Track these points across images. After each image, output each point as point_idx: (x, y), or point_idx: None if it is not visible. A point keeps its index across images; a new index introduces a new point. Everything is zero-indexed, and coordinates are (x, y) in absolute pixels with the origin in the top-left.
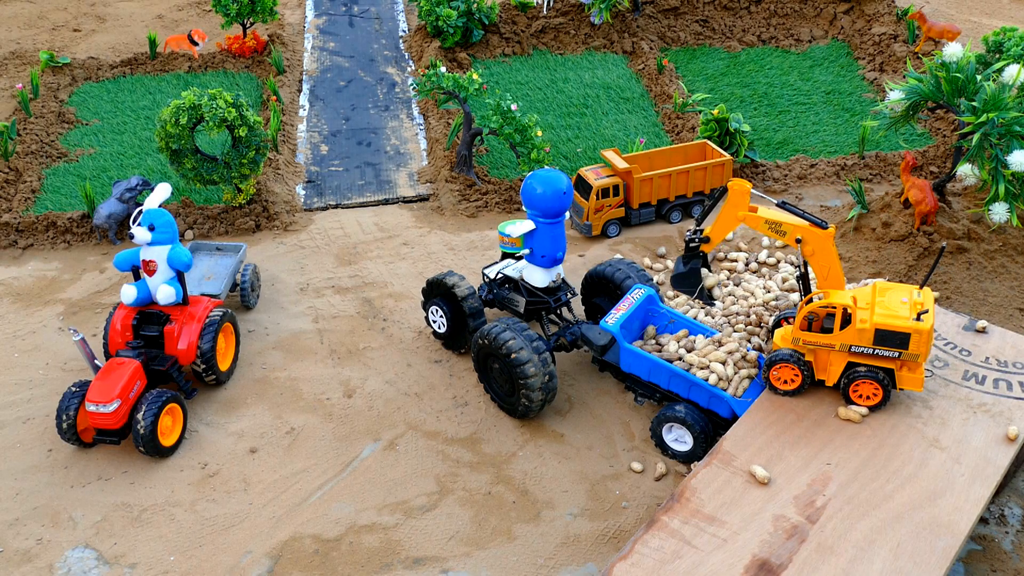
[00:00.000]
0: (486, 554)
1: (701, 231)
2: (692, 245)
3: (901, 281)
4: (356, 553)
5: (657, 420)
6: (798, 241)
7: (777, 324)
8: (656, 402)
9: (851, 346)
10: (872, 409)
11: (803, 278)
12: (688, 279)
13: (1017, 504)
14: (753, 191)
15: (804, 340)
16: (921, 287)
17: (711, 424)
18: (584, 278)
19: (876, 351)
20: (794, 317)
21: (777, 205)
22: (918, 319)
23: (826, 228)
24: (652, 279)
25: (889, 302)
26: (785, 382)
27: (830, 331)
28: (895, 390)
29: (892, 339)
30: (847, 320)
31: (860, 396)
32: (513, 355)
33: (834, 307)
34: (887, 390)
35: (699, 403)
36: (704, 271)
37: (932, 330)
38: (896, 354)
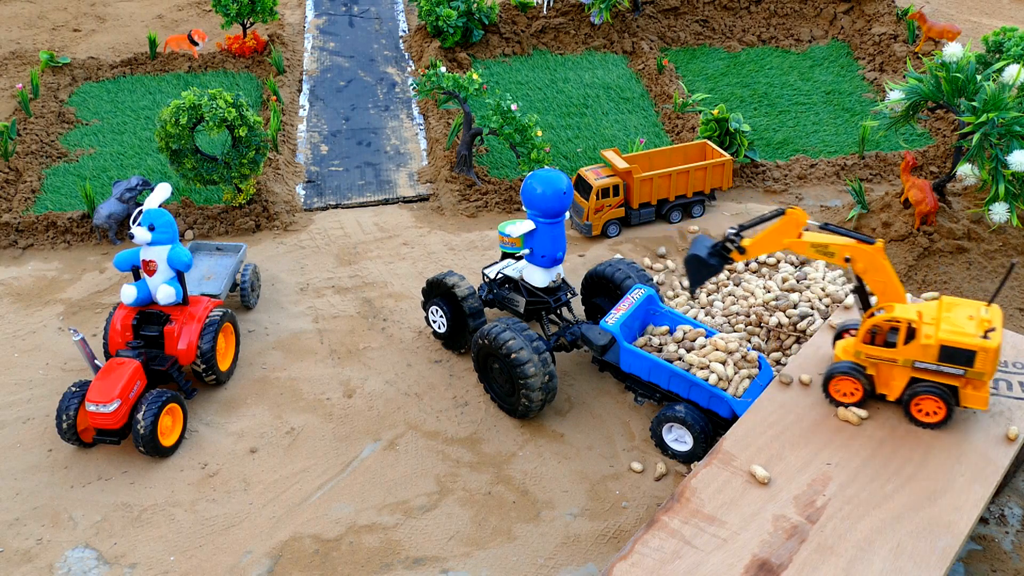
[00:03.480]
0: (486, 554)
1: (740, 237)
2: (727, 246)
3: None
4: (356, 553)
5: (657, 420)
6: (847, 260)
7: (839, 336)
8: (656, 402)
9: (915, 361)
10: (934, 426)
11: (859, 292)
12: (702, 270)
13: (1017, 504)
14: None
15: (866, 353)
16: (989, 303)
17: (711, 424)
18: (584, 278)
19: (940, 368)
20: (857, 329)
21: (820, 227)
22: (985, 337)
23: (873, 244)
24: (652, 279)
25: (955, 318)
26: (845, 395)
27: (893, 345)
28: (958, 407)
29: (958, 356)
30: (911, 335)
31: (922, 412)
32: (513, 355)
33: (898, 321)
34: (950, 407)
35: (699, 403)
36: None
37: (999, 349)
38: (961, 371)
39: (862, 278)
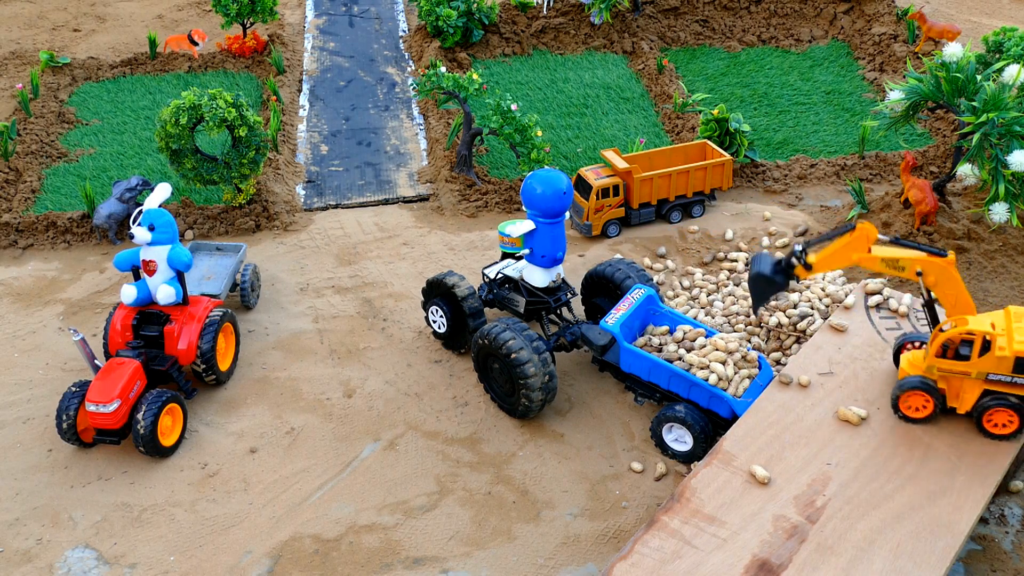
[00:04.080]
0: (486, 554)
1: (806, 253)
2: (791, 262)
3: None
4: (356, 553)
5: (657, 420)
6: (919, 274)
7: (900, 349)
8: (656, 402)
9: (988, 374)
10: (1006, 438)
11: (929, 307)
12: (767, 289)
13: (1017, 504)
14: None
15: (939, 368)
16: None
17: (711, 424)
18: (584, 278)
19: (1015, 379)
20: (918, 342)
21: (891, 241)
22: None
23: (944, 256)
24: (652, 279)
25: None
26: (916, 409)
27: (966, 358)
28: None
29: None
30: (986, 347)
31: (994, 424)
32: (513, 355)
33: (972, 334)
34: (1023, 419)
35: (699, 403)
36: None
37: None
38: None
39: (932, 291)
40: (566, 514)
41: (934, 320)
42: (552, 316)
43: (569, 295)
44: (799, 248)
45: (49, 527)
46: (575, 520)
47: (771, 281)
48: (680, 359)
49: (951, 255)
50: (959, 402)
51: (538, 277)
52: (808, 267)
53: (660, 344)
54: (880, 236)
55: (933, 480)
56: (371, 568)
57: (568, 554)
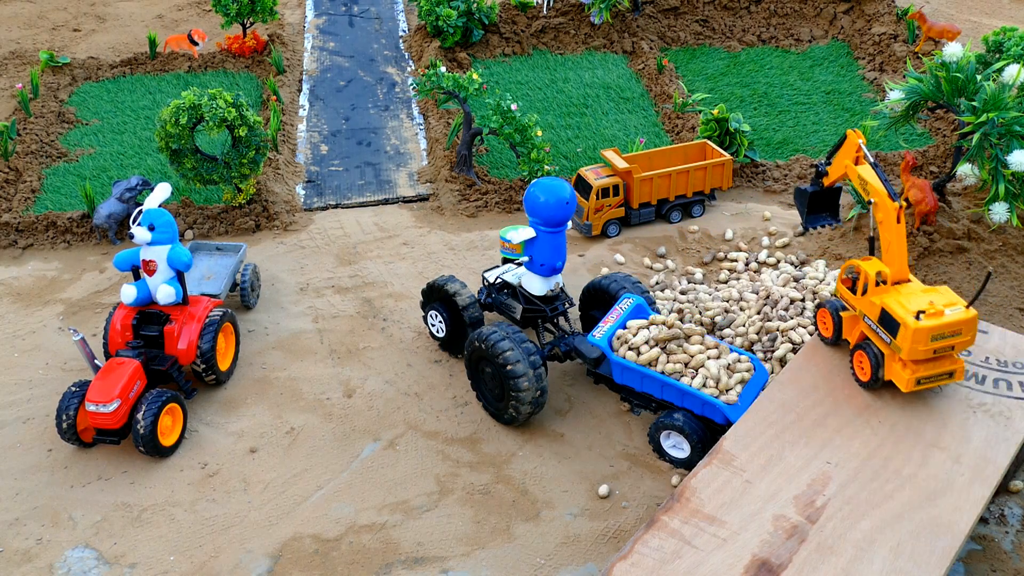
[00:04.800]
0: (486, 554)
1: (829, 163)
2: (819, 172)
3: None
4: (356, 553)
5: (655, 427)
6: (870, 203)
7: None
8: (652, 411)
9: (864, 315)
10: (863, 385)
11: (870, 241)
12: (802, 199)
13: (1017, 504)
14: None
15: (839, 292)
16: (968, 307)
17: (708, 431)
18: (582, 291)
19: (878, 329)
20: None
21: (872, 164)
22: (917, 318)
23: (894, 201)
24: (648, 291)
25: (918, 296)
26: (824, 326)
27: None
28: (881, 377)
29: (889, 323)
30: (865, 289)
31: (861, 367)
32: (509, 367)
33: (859, 269)
34: (875, 371)
35: (693, 411)
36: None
37: (927, 338)
38: (888, 340)
39: (878, 228)
40: (566, 514)
41: (872, 253)
42: (548, 325)
43: (567, 305)
44: (821, 163)
45: (49, 527)
46: (575, 520)
47: (803, 191)
48: (656, 362)
49: (900, 202)
50: (850, 336)
51: (537, 285)
52: (825, 173)
53: (639, 351)
54: (867, 153)
55: (933, 480)
56: (371, 568)
57: (568, 554)
